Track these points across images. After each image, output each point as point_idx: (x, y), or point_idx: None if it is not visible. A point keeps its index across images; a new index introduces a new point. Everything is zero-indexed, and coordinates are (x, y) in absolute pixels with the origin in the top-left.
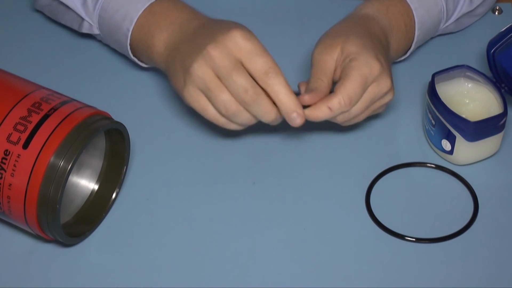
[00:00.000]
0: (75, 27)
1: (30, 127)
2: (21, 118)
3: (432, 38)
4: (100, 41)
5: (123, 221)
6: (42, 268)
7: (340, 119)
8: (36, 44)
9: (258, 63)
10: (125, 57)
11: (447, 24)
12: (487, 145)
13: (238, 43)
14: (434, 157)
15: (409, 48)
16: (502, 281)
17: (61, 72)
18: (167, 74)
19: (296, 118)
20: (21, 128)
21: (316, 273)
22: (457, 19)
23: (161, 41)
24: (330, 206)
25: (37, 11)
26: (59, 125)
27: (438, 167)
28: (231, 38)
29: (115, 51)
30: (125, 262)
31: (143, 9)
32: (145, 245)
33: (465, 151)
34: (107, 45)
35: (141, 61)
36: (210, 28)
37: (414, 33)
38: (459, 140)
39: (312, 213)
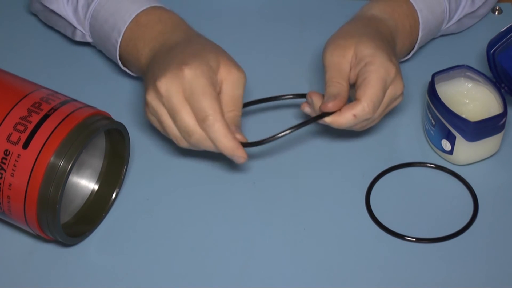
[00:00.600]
0: (69, 34)
1: (30, 127)
2: (21, 118)
3: (433, 38)
4: (94, 47)
5: (123, 221)
6: (42, 268)
7: (359, 126)
8: (36, 44)
9: (198, 107)
10: None
11: (449, 24)
12: (487, 145)
13: (184, 82)
14: (434, 157)
15: (412, 49)
16: (502, 281)
17: (61, 72)
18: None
19: (237, 160)
20: (21, 128)
21: (316, 273)
22: (459, 20)
23: (143, 56)
24: (330, 206)
25: (34, 14)
26: (59, 125)
27: (438, 167)
28: (180, 76)
29: None
30: (125, 262)
31: (130, 21)
32: (145, 245)
33: (465, 151)
34: None
35: (131, 71)
36: (172, 55)
37: (418, 34)
38: (459, 140)
39: (312, 213)
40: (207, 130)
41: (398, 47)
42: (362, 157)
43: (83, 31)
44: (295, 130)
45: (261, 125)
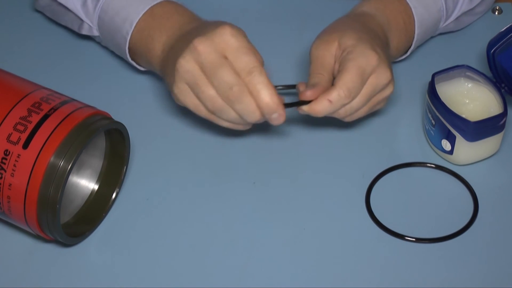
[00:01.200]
0: (75, 28)
1: (30, 127)
2: (21, 118)
3: (432, 37)
4: (99, 43)
5: (123, 221)
6: (42, 268)
7: (342, 113)
8: (36, 44)
9: (243, 61)
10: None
11: (447, 22)
12: (487, 145)
13: (225, 39)
14: (434, 157)
15: (410, 47)
16: (502, 281)
17: (61, 72)
18: (163, 76)
19: (277, 119)
20: (21, 128)
21: (316, 273)
22: (457, 18)
23: (160, 43)
24: (330, 206)
25: (37, 11)
26: (59, 125)
27: (438, 167)
28: (219, 34)
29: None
30: (125, 262)
31: (143, 12)
32: (145, 245)
33: (465, 151)
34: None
35: (139, 65)
36: (203, 26)
37: (414, 31)
38: (459, 140)
39: (312, 213)
40: (253, 82)
41: (394, 43)
42: (362, 157)
43: (91, 25)
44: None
45: (260, 125)
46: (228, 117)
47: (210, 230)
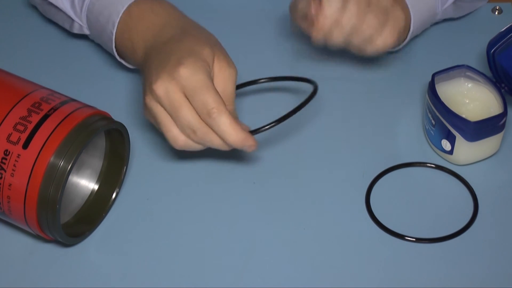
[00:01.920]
0: (67, 27)
1: (30, 127)
2: (21, 118)
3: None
4: (92, 40)
5: (123, 221)
6: (42, 268)
7: (322, 25)
8: (36, 44)
9: (201, 102)
10: None
11: (445, 6)
12: (487, 145)
13: (182, 81)
14: (434, 157)
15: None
16: (502, 281)
17: (61, 72)
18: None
19: (248, 149)
20: (21, 128)
21: (316, 273)
22: (456, 3)
23: (139, 49)
24: (330, 206)
25: (33, 7)
26: (59, 125)
27: (438, 167)
28: (174, 76)
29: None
30: (125, 262)
31: (122, 11)
32: (145, 245)
33: (465, 151)
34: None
35: (128, 63)
36: (166, 53)
37: (409, 10)
38: (459, 140)
39: (312, 213)
40: (213, 124)
41: None
42: (362, 157)
43: (81, 23)
44: (292, 114)
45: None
46: (204, 145)
47: (210, 230)
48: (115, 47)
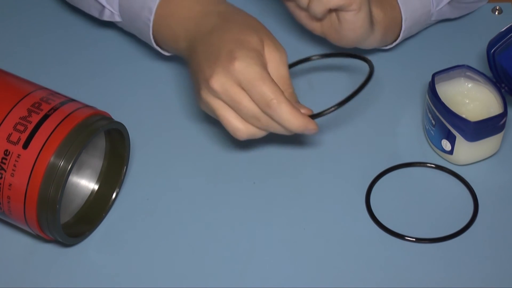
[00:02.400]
0: (95, 14)
1: (30, 127)
2: (21, 118)
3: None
4: (121, 28)
5: (123, 221)
6: (42, 268)
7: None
8: (36, 44)
9: (258, 94)
10: (124, 57)
11: (440, 6)
12: (487, 145)
13: (237, 75)
14: (434, 157)
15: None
16: (502, 281)
17: (61, 72)
18: (188, 70)
19: (310, 133)
20: (21, 128)
21: (316, 273)
22: (451, 3)
23: (181, 38)
24: (330, 206)
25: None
26: (59, 125)
27: (438, 167)
28: (229, 70)
29: (114, 51)
30: (125, 262)
31: None
32: (145, 245)
33: (465, 151)
34: (106, 45)
35: (164, 49)
36: (214, 45)
37: (398, 6)
38: (459, 140)
39: (312, 213)
40: (273, 114)
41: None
42: (362, 157)
43: (112, 10)
44: (351, 99)
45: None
46: (267, 132)
47: (210, 230)
48: (152, 33)
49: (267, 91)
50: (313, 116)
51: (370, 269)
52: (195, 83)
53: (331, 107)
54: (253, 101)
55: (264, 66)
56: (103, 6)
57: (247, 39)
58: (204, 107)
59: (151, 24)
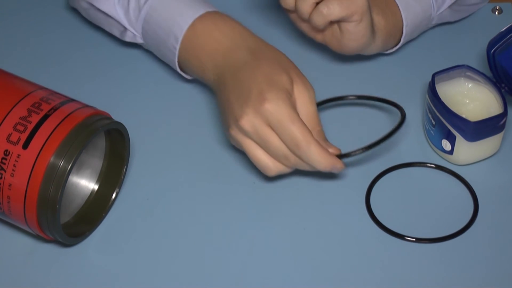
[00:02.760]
0: (117, 34)
1: (30, 127)
2: (21, 118)
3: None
4: (142, 47)
5: (123, 221)
6: (42, 268)
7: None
8: (36, 44)
9: (288, 136)
10: (125, 57)
11: (440, 10)
12: (487, 145)
13: (267, 116)
14: (434, 157)
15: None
16: (502, 281)
17: (61, 72)
18: (216, 102)
19: (336, 171)
20: (21, 128)
21: (316, 273)
22: (452, 7)
23: (209, 69)
24: (330, 206)
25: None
26: (59, 125)
27: (438, 167)
28: (260, 111)
29: (113, 51)
30: (125, 262)
31: (186, 28)
32: (145, 245)
33: (465, 151)
34: (106, 45)
35: (191, 76)
36: (244, 83)
37: (401, 16)
38: (459, 140)
39: (312, 213)
40: (302, 155)
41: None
42: (362, 157)
43: (135, 33)
44: (379, 143)
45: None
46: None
47: (210, 230)
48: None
49: (296, 132)
50: (340, 156)
51: (370, 269)
52: (224, 117)
53: (358, 149)
54: (282, 141)
55: (293, 106)
56: (125, 28)
57: (277, 79)
58: (234, 143)
59: (177, 52)
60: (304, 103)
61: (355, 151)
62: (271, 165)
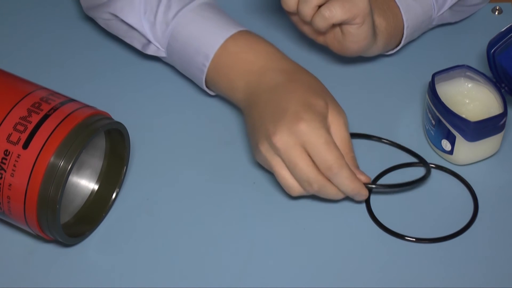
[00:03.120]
0: (138, 47)
1: (30, 127)
2: (21, 118)
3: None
4: (166, 63)
5: (123, 221)
6: (42, 268)
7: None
8: (36, 44)
9: (321, 158)
10: (125, 57)
11: (441, 11)
12: (487, 145)
13: (301, 137)
14: (434, 157)
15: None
16: (502, 281)
17: (61, 72)
18: (245, 120)
19: (359, 198)
20: (21, 128)
21: (316, 273)
22: (452, 8)
23: (239, 89)
24: (330, 206)
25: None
26: (59, 125)
27: (438, 167)
28: (295, 131)
29: (114, 51)
30: (125, 262)
31: (218, 47)
32: (145, 245)
33: (465, 151)
34: (106, 45)
35: (217, 93)
36: (279, 103)
37: (402, 18)
38: (459, 140)
39: (312, 213)
40: (334, 178)
41: (383, 22)
42: (362, 157)
43: (159, 47)
44: (404, 186)
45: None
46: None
47: (210, 230)
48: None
49: (330, 156)
50: (369, 184)
51: (370, 269)
52: (254, 134)
53: (385, 185)
54: (315, 163)
55: (328, 131)
56: (149, 41)
57: (313, 102)
58: (261, 160)
59: (205, 70)
60: (339, 129)
61: (380, 185)
62: (296, 186)
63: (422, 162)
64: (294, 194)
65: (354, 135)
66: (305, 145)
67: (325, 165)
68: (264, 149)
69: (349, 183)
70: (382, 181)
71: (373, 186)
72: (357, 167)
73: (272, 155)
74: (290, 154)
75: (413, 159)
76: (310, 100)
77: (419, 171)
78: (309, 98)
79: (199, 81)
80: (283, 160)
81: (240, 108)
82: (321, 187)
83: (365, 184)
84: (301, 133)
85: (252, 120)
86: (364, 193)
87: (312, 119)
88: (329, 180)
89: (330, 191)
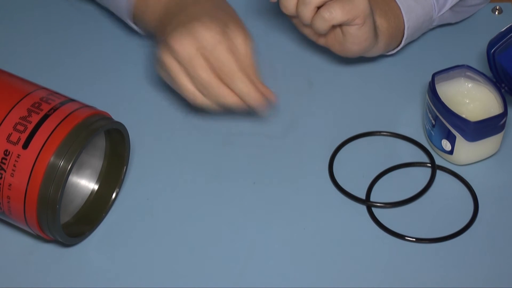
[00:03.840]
0: None
1: (30, 127)
2: (21, 118)
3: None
4: (98, 4)
5: (123, 221)
6: (42, 268)
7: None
8: (36, 44)
9: (219, 62)
10: (125, 56)
11: (442, 12)
12: (487, 145)
13: (201, 42)
14: (434, 157)
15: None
16: (502, 281)
17: (61, 72)
18: (156, 34)
19: (261, 108)
20: (21, 128)
21: (316, 273)
22: (453, 8)
23: (156, 13)
24: (330, 206)
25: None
26: (59, 125)
27: (438, 167)
28: (192, 32)
29: (114, 51)
30: (125, 262)
31: None
32: (145, 245)
33: (465, 151)
34: (106, 45)
35: (139, 27)
36: (186, 14)
37: (403, 18)
38: (459, 140)
39: (312, 213)
40: (232, 83)
41: (383, 22)
42: (362, 157)
43: None
44: (406, 203)
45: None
46: (220, 101)
47: (210, 230)
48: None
49: (228, 59)
50: (368, 204)
51: (370, 269)
52: (158, 49)
53: (386, 204)
54: (215, 69)
55: (230, 41)
56: None
57: (219, 17)
58: (161, 70)
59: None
60: (241, 42)
61: (381, 204)
62: (196, 93)
63: (428, 155)
64: (198, 101)
65: (355, 136)
66: (204, 50)
67: (223, 69)
68: (164, 55)
69: (247, 90)
70: (382, 180)
71: (373, 203)
72: (259, 80)
73: (171, 61)
74: (190, 59)
75: (415, 157)
76: (217, 15)
77: (419, 171)
78: (216, 13)
79: (124, 15)
80: (183, 66)
81: (153, 32)
82: (219, 93)
83: (368, 202)
84: (201, 38)
85: (158, 37)
86: (263, 104)
87: (214, 26)
88: (228, 87)
89: (229, 98)
